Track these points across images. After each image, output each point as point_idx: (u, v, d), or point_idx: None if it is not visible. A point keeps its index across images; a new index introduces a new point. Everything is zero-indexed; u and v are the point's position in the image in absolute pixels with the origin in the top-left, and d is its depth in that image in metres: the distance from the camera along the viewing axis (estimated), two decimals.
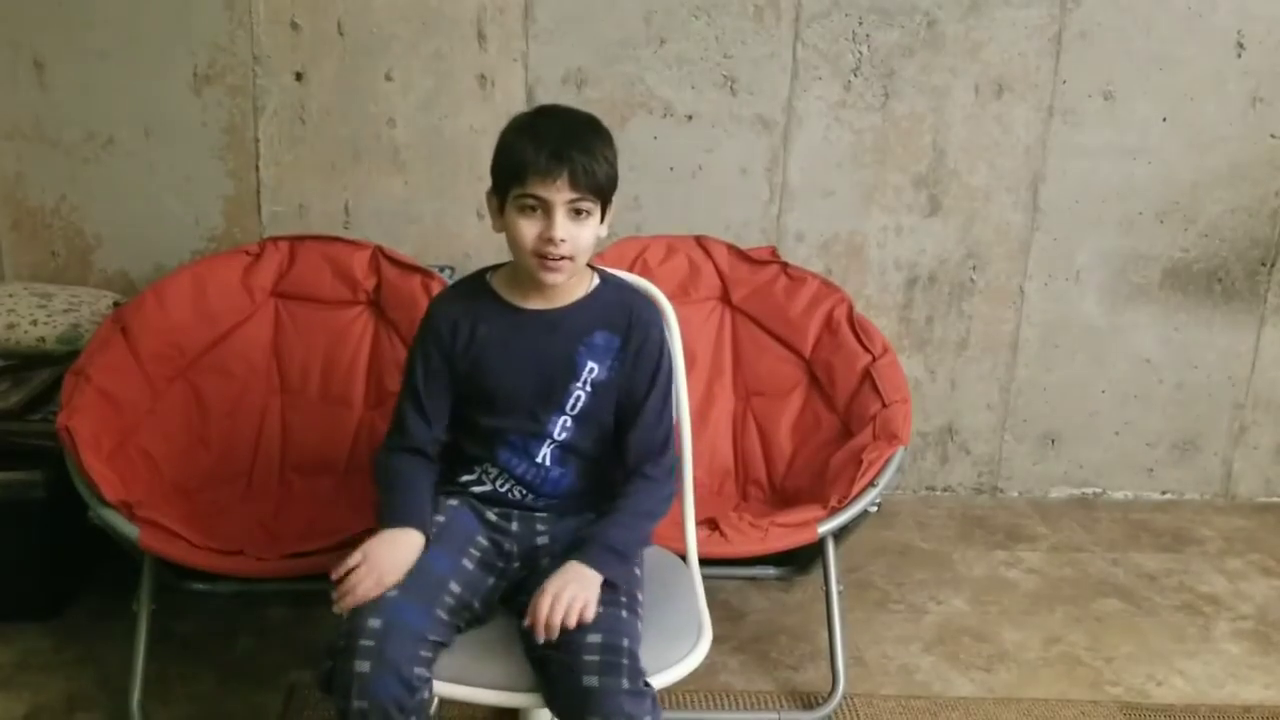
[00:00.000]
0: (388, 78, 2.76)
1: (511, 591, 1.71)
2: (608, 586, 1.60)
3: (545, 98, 2.75)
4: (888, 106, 2.85)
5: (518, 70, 2.77)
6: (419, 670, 1.53)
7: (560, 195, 1.61)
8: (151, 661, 2.10)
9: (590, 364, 1.71)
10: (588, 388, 1.72)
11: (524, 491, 1.74)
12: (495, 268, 1.80)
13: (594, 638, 1.53)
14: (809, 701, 2.24)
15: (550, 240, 1.62)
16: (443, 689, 1.58)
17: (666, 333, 1.81)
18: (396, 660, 1.51)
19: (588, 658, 1.51)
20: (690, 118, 2.83)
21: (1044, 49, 2.83)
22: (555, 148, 1.60)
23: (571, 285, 1.73)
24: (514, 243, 1.67)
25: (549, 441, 1.72)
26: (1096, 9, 2.81)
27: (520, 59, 2.76)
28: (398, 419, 1.76)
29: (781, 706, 2.23)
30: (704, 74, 2.80)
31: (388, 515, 1.66)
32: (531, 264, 1.66)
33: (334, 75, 2.75)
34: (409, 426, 1.75)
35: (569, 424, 1.72)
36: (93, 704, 2.16)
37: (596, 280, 1.78)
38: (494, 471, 1.75)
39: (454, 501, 1.75)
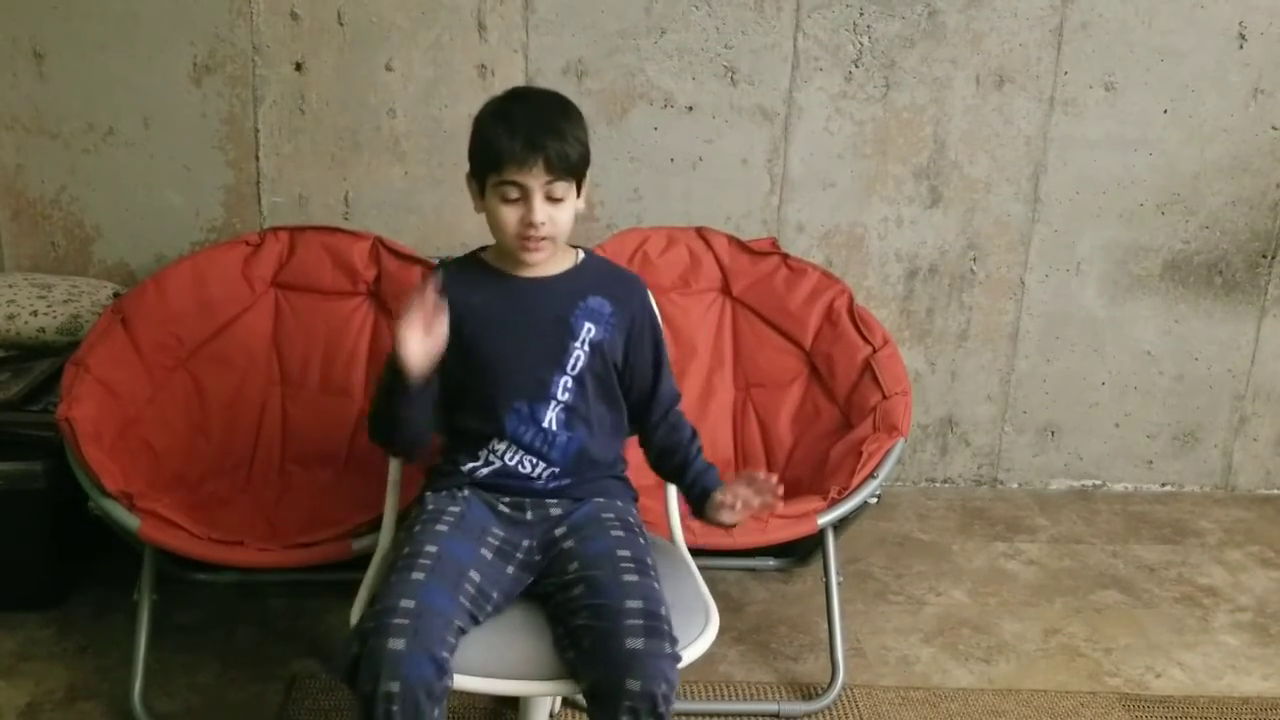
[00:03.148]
0: (388, 68, 2.75)
1: (535, 582, 1.70)
2: (637, 562, 1.64)
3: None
4: (888, 97, 2.85)
5: (518, 61, 2.77)
6: (446, 655, 1.52)
7: (537, 181, 1.67)
8: (152, 651, 2.11)
9: (587, 324, 1.76)
10: (585, 348, 1.76)
11: (534, 461, 1.76)
12: (485, 247, 1.85)
13: (635, 603, 1.55)
14: (809, 692, 2.25)
15: (531, 224, 1.68)
16: (466, 682, 1.57)
17: (652, 304, 1.86)
18: (429, 641, 1.50)
19: (630, 622, 1.53)
20: (691, 108, 2.82)
21: (1045, 40, 2.83)
22: (529, 136, 1.65)
23: (559, 258, 1.79)
24: (496, 227, 1.73)
25: (554, 403, 1.75)
26: (1098, 0, 2.81)
27: (521, 49, 2.76)
28: None
29: (781, 697, 2.23)
30: (704, 65, 2.80)
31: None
32: (514, 246, 1.72)
33: (334, 65, 2.74)
34: None
35: (570, 384, 1.75)
36: (94, 693, 2.17)
37: (582, 254, 1.84)
38: (501, 447, 1.76)
39: (465, 493, 1.76)
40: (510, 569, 1.69)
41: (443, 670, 1.51)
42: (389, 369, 1.67)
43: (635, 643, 1.51)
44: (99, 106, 2.73)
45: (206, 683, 2.21)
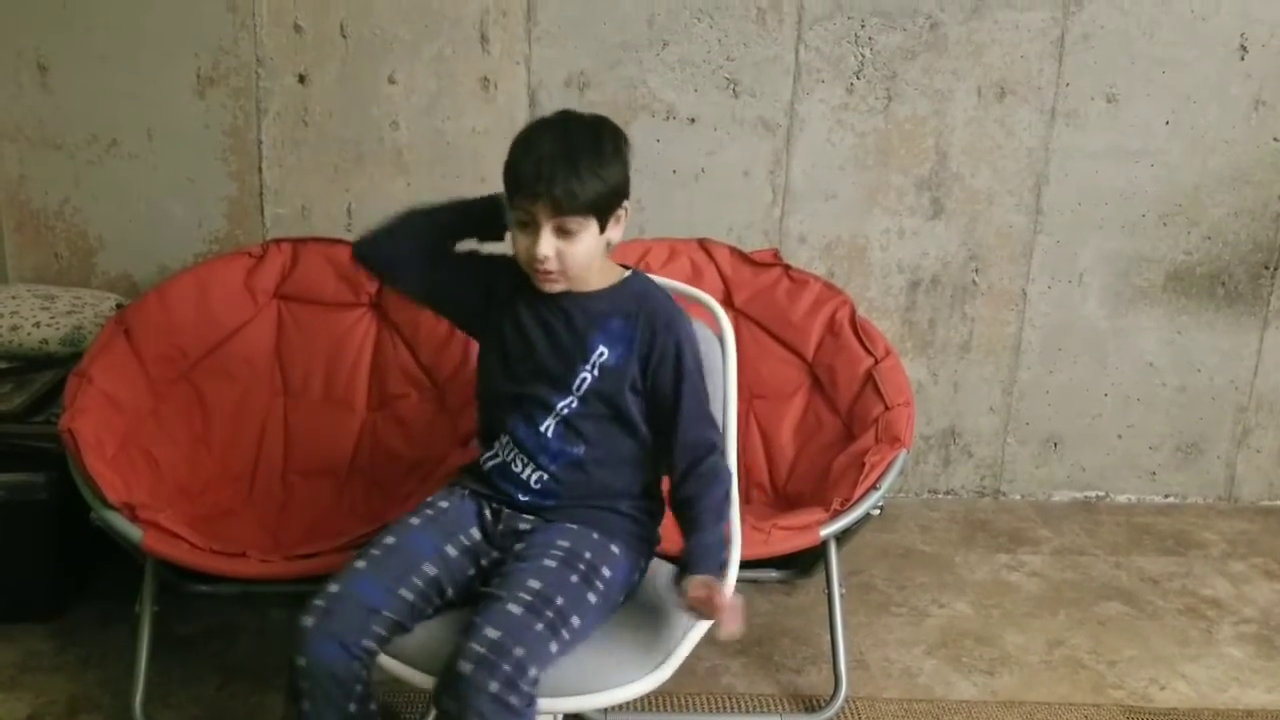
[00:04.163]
0: (390, 80, 2.76)
1: (483, 583, 1.71)
2: (540, 598, 1.59)
3: (548, 100, 2.76)
4: (890, 109, 2.85)
5: (520, 73, 2.77)
6: (365, 643, 1.58)
7: (545, 214, 1.63)
8: (154, 663, 2.10)
9: (601, 348, 1.73)
10: (595, 371, 1.73)
11: (525, 461, 1.75)
12: None
13: (492, 633, 1.53)
14: (811, 704, 2.24)
15: (535, 257, 1.66)
16: (390, 666, 1.63)
17: (684, 334, 1.77)
18: (342, 626, 1.57)
19: (473, 645, 1.51)
20: (693, 120, 2.83)
21: (1047, 52, 2.83)
22: (538, 169, 1.62)
23: (601, 275, 1.76)
24: (514, 252, 1.72)
25: (554, 415, 1.74)
26: (1099, 12, 2.81)
27: (523, 61, 2.77)
28: None
29: (784, 709, 2.23)
30: (706, 76, 2.80)
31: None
32: (529, 272, 1.71)
33: (337, 77, 2.75)
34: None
35: (574, 403, 1.74)
36: (95, 705, 2.16)
37: (627, 274, 1.79)
38: (505, 440, 1.77)
39: (465, 492, 1.79)
40: (472, 570, 1.72)
41: (352, 655, 1.57)
42: (487, 201, 1.77)
43: (465, 665, 1.50)
44: (103, 118, 2.74)
45: (208, 694, 2.21)
